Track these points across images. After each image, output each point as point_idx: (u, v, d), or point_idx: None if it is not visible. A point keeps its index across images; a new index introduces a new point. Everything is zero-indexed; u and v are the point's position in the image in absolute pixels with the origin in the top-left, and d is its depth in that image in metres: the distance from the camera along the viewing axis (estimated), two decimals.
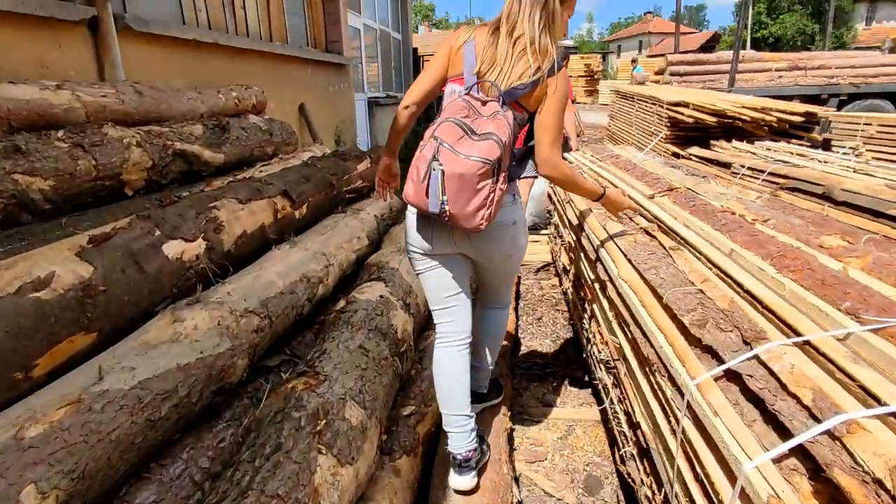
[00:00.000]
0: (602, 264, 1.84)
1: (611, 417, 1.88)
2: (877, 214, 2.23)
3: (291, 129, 3.88)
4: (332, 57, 6.34)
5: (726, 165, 3.59)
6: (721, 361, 1.07)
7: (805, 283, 1.22)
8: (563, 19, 1.52)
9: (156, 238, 1.73)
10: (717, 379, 1.05)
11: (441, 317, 1.69)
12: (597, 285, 1.99)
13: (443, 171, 1.33)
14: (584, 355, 2.43)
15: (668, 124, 5.92)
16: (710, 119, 4.91)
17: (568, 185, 1.67)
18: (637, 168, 2.91)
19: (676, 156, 5.19)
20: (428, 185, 1.35)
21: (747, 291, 1.27)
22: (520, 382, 2.65)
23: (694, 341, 1.17)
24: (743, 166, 3.31)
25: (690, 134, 5.92)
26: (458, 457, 1.59)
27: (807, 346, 1.02)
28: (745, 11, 8.72)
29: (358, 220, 2.93)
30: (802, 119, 4.81)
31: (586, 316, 2.33)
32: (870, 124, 4.67)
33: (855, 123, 4.88)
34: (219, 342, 1.62)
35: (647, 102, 6.65)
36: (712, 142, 4.78)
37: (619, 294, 1.62)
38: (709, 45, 42.00)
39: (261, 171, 3.09)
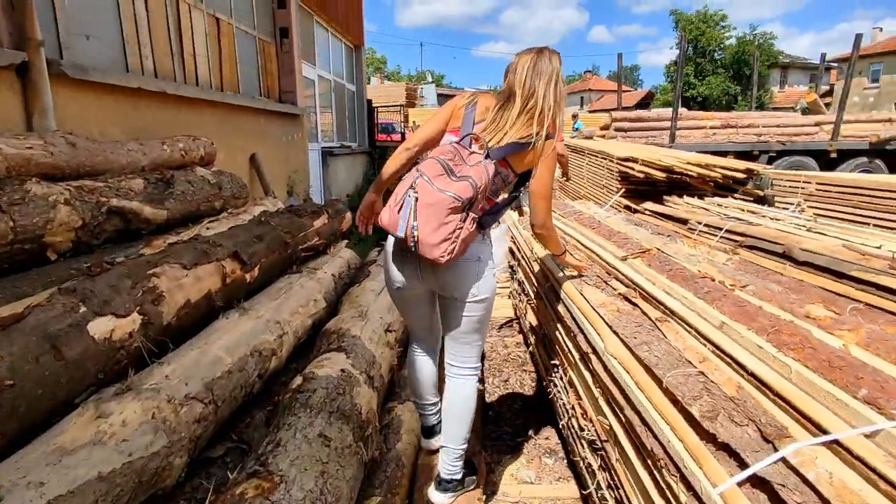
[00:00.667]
0: (584, 334, 1.73)
1: (597, 501, 1.72)
2: (838, 275, 2.26)
3: (242, 182, 3.68)
4: (286, 107, 6.23)
5: (682, 221, 3.66)
6: (742, 462, 0.96)
7: (810, 363, 1.14)
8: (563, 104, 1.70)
9: (80, 315, 1.49)
10: (740, 484, 0.93)
11: (414, 340, 1.91)
12: (575, 354, 1.87)
13: (416, 199, 1.45)
14: (560, 427, 2.29)
15: (619, 178, 6.11)
16: (659, 175, 5.09)
17: (551, 241, 1.85)
18: (602, 226, 2.89)
19: (631, 209, 5.31)
20: (400, 209, 1.48)
21: (752, 374, 1.18)
22: (491, 455, 2.46)
23: (706, 436, 1.05)
24: (699, 223, 3.37)
25: (640, 188, 6.13)
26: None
27: (835, 446, 0.92)
28: (679, 75, 9.39)
29: (314, 281, 2.73)
30: (745, 175, 5.06)
31: (561, 384, 2.20)
32: (809, 182, 4.95)
33: (794, 181, 5.17)
34: (152, 439, 1.38)
35: (597, 157, 6.88)
36: (665, 197, 4.93)
37: (606, 370, 1.51)
38: (644, 102, 45.11)
39: (208, 228, 2.86)
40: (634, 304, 1.72)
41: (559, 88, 1.62)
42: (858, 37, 8.80)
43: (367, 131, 10.64)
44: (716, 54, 39.30)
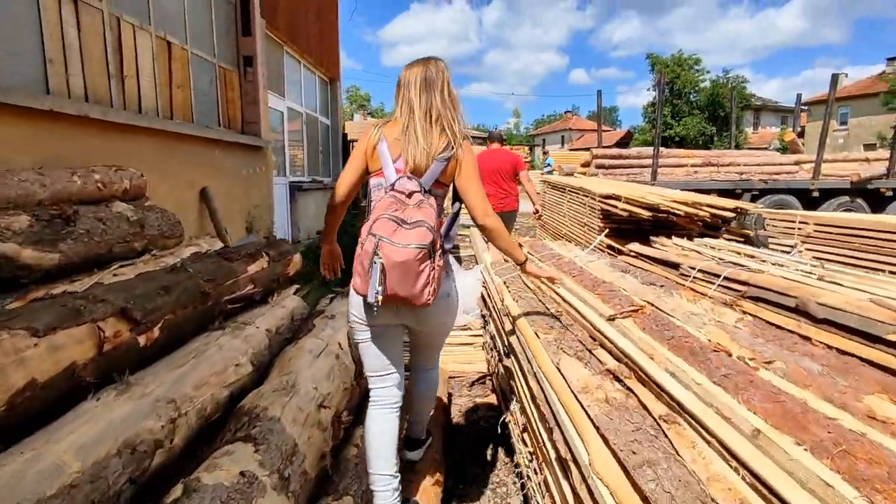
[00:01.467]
0: (562, 432, 1.27)
1: None
2: (869, 337, 1.86)
3: (175, 220, 3.22)
4: (248, 139, 5.83)
5: (673, 266, 3.29)
6: None
7: None
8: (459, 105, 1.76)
9: None
10: None
11: (376, 382, 1.82)
12: (551, 453, 1.41)
13: (382, 265, 1.48)
14: None
15: (601, 216, 5.78)
16: (644, 213, 4.75)
17: (502, 237, 1.78)
18: (585, 274, 2.48)
19: (615, 250, 4.94)
20: (371, 276, 1.51)
21: None
22: None
23: None
24: (693, 268, 2.99)
25: (624, 227, 5.80)
26: None
27: None
28: (659, 113, 9.28)
29: (240, 340, 2.25)
30: (733, 214, 4.75)
31: (535, 480, 1.73)
32: (806, 223, 4.65)
33: (789, 221, 4.87)
34: None
35: (578, 194, 6.57)
36: (652, 238, 4.58)
37: (592, 497, 1.05)
38: (623, 142, 46.03)
39: (115, 275, 2.38)
40: (629, 390, 1.28)
41: (452, 94, 1.71)
42: (835, 77, 8.82)
43: (341, 166, 10.29)
44: (691, 96, 40.50)
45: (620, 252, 4.79)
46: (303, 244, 7.41)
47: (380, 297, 1.48)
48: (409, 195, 1.58)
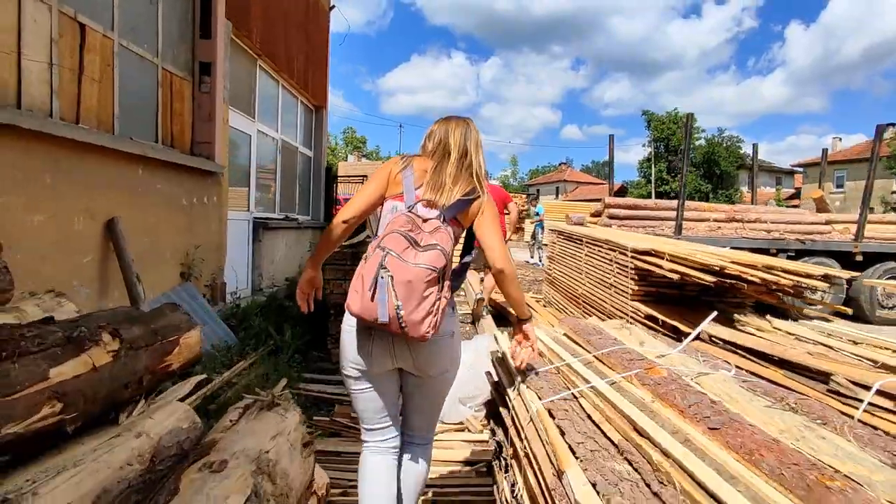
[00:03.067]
0: None
1: None
2: None
3: (2, 265, 1.96)
4: (195, 161, 4.64)
5: (804, 371, 2.06)
6: None
7: None
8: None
9: None
10: None
11: (372, 435, 1.74)
12: None
13: (392, 277, 1.38)
14: None
15: (634, 277, 4.60)
16: (706, 278, 3.56)
17: (514, 284, 1.68)
18: (689, 391, 1.23)
19: (657, 322, 3.72)
20: (374, 293, 1.40)
21: None
22: None
23: None
24: (858, 384, 1.77)
25: (663, 291, 4.62)
26: None
27: None
28: (685, 156, 8.33)
29: None
30: (825, 285, 3.58)
31: None
32: None
33: None
34: None
35: (601, 247, 5.41)
36: (739, 317, 3.40)
37: None
38: (618, 195, 45.86)
39: None
40: None
41: (482, 154, 1.75)
42: (880, 128, 7.96)
43: (322, 204, 9.12)
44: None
45: (677, 332, 3.57)
46: (265, 294, 6.11)
47: (402, 313, 1.38)
48: (426, 220, 1.53)
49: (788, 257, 7.97)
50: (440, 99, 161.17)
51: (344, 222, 1.68)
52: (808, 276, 3.59)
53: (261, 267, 6.28)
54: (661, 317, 4.06)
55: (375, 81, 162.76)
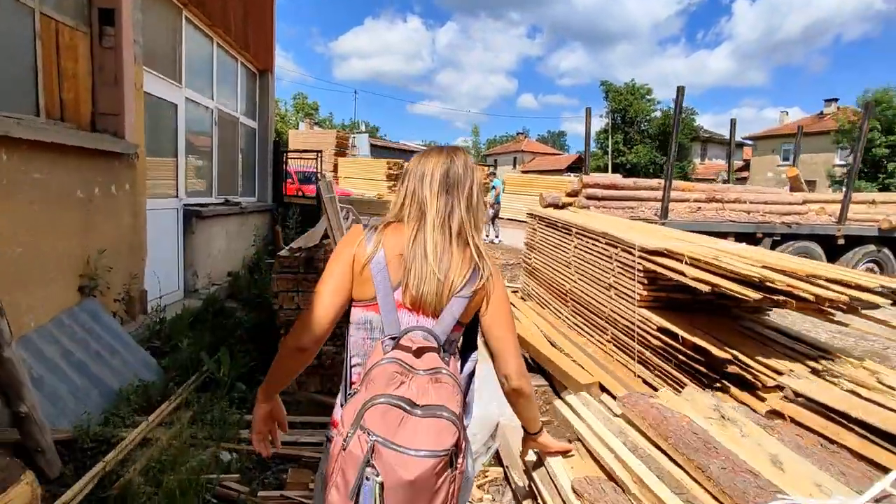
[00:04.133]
0: None
1: None
2: None
3: None
4: (95, 140, 3.57)
5: None
6: None
7: None
8: None
9: None
10: None
11: None
12: None
13: (381, 484, 0.93)
14: None
15: (643, 279, 3.95)
16: (749, 293, 2.91)
17: (531, 404, 1.34)
18: None
19: (674, 338, 3.09)
20: (357, 501, 0.95)
21: None
22: None
23: None
24: None
25: (673, 295, 4.00)
26: None
27: None
28: (675, 134, 7.68)
29: None
30: (889, 301, 3.01)
31: None
32: None
33: None
34: None
35: (596, 240, 4.72)
36: (826, 363, 2.76)
37: None
38: (575, 166, 45.88)
39: None
40: None
41: (481, 201, 1.24)
42: (869, 105, 7.57)
43: (270, 182, 8.04)
44: (643, 125, 40.78)
45: (701, 351, 2.93)
46: (201, 296, 5.12)
47: None
48: (419, 353, 1.06)
49: (774, 242, 7.64)
50: (395, 63, 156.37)
51: (300, 350, 1.18)
52: (865, 288, 3.01)
53: (195, 264, 5.27)
54: (679, 331, 3.42)
55: (328, 45, 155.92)
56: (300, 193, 11.23)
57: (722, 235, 6.98)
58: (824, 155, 32.10)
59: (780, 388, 3.07)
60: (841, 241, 7.64)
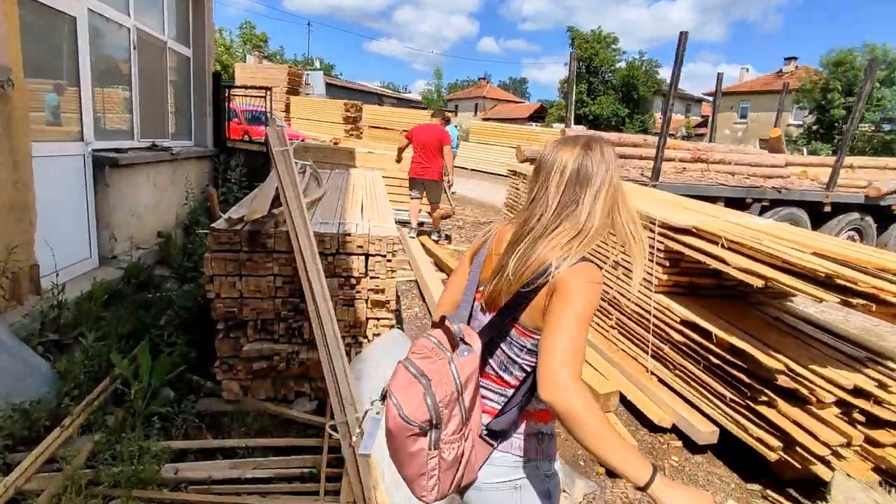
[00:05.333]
0: None
1: None
2: None
3: None
4: None
5: None
6: None
7: None
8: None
9: None
10: None
11: None
12: None
13: (377, 420, 1.17)
14: None
15: (665, 262, 3.34)
16: (828, 297, 2.33)
17: (581, 421, 0.95)
18: None
19: (701, 334, 2.52)
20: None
21: None
22: None
23: None
24: None
25: (696, 280, 3.43)
26: None
27: None
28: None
29: None
30: None
31: None
32: None
33: None
34: None
35: None
36: None
37: None
38: (538, 115, 44.94)
39: None
40: None
41: (618, 195, 1.14)
42: (874, 64, 7.07)
43: (210, 122, 6.87)
44: (607, 75, 40.01)
45: (739, 353, 2.36)
46: (122, 264, 4.17)
47: (360, 449, 1.21)
48: (452, 340, 1.15)
49: (763, 208, 7.27)
50: None
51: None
52: None
53: (112, 225, 4.27)
54: (713, 328, 2.85)
55: None
56: (247, 137, 9.97)
57: (712, 200, 6.51)
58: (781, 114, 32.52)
59: (839, 404, 2.59)
60: (828, 209, 7.33)
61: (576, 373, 0.99)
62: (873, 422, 2.59)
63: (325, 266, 2.76)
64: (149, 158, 4.92)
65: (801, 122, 28.81)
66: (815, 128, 26.91)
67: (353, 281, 2.82)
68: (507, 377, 1.18)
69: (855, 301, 2.32)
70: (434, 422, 1.04)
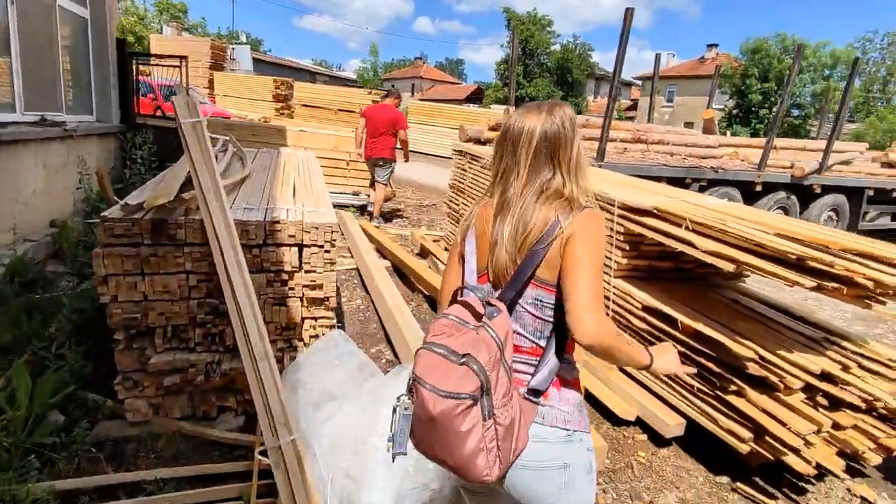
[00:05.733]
0: None
1: None
2: None
3: None
4: None
5: None
6: None
7: None
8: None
9: None
10: None
11: None
12: None
13: (406, 416, 1.07)
14: None
15: (625, 246, 3.16)
16: (803, 282, 2.20)
17: (614, 353, 1.12)
18: None
19: (664, 320, 2.37)
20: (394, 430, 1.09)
21: None
22: None
23: None
24: None
25: (657, 264, 3.29)
26: None
27: None
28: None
29: None
30: None
31: None
32: None
33: None
34: None
35: None
36: None
37: None
38: (475, 97, 44.83)
39: None
40: None
41: (581, 159, 1.19)
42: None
43: (116, 94, 6.05)
44: (542, 58, 40.39)
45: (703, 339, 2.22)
46: (2, 262, 3.51)
47: (395, 449, 1.08)
48: (475, 313, 1.11)
49: (701, 187, 7.39)
50: None
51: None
52: None
53: None
54: (678, 315, 2.71)
55: None
56: (159, 112, 8.99)
57: (655, 180, 6.52)
58: (703, 98, 34.18)
59: (805, 389, 2.50)
60: (759, 188, 7.59)
61: (603, 312, 1.08)
62: (834, 405, 2.54)
63: (251, 260, 2.34)
64: (36, 134, 4.18)
65: (722, 107, 30.31)
66: (735, 112, 28.43)
67: (285, 276, 2.42)
68: (536, 340, 1.17)
69: (829, 285, 2.20)
70: (484, 387, 1.01)
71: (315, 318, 2.55)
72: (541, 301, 1.15)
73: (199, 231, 2.24)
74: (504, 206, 1.17)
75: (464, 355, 1.02)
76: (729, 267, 2.44)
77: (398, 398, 1.09)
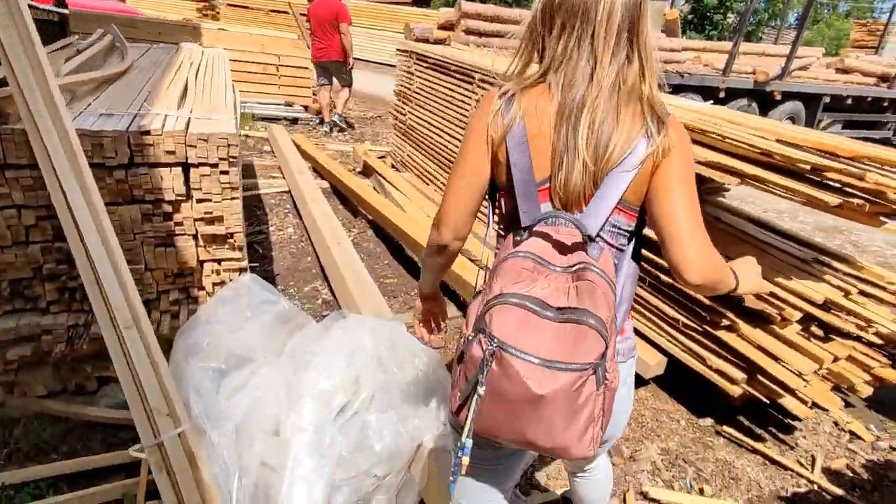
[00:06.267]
0: None
1: None
2: None
3: None
4: None
5: None
6: None
7: None
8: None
9: None
10: None
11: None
12: None
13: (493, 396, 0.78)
14: None
15: None
16: (827, 198, 1.80)
17: (718, 288, 0.95)
18: None
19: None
20: (463, 406, 0.81)
21: None
22: None
23: None
24: None
25: None
26: None
27: None
28: None
29: None
30: None
31: None
32: None
33: None
34: None
35: None
36: None
37: None
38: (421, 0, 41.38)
39: None
40: None
41: (651, 39, 0.88)
42: None
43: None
44: None
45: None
46: None
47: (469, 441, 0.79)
48: (562, 249, 0.86)
49: (668, 93, 6.93)
50: None
51: (439, 248, 1.01)
52: None
53: None
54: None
55: None
56: None
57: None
58: (658, 3, 32.97)
59: (801, 319, 2.20)
60: (722, 94, 7.20)
61: (708, 240, 0.89)
62: (826, 335, 2.28)
63: (113, 187, 1.70)
64: None
65: (678, 11, 29.28)
66: (690, 17, 27.55)
67: (168, 207, 1.80)
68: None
69: (855, 202, 1.81)
70: (605, 350, 0.77)
71: (218, 261, 1.98)
72: (618, 228, 0.93)
73: (26, 147, 1.56)
74: (572, 104, 0.86)
75: (570, 310, 0.78)
76: (732, 182, 2.01)
77: (476, 384, 0.76)
